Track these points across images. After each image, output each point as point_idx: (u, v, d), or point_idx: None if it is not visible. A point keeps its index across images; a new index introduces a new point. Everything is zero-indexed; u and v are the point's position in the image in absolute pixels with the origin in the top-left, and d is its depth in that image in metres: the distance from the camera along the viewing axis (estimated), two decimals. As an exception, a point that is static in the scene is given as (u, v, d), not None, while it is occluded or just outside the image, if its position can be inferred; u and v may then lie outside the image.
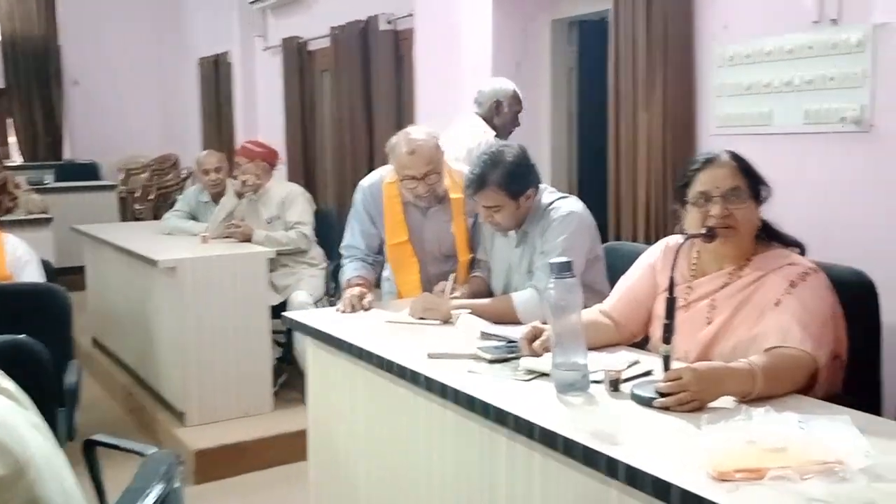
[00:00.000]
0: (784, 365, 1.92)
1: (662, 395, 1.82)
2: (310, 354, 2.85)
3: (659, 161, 3.64)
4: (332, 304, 4.74)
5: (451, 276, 2.92)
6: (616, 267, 2.96)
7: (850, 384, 2.20)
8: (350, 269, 3.17)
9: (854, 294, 2.31)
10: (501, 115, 4.02)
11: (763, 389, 1.84)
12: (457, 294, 2.86)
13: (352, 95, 6.01)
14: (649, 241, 3.63)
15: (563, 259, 1.95)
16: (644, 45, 3.68)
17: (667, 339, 1.87)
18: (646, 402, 1.84)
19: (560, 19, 4.70)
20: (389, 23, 5.69)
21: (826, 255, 2.92)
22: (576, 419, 1.78)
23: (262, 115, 7.66)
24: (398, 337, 2.57)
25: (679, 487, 1.40)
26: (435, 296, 2.81)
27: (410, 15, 5.35)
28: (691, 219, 2.18)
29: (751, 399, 1.83)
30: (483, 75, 4.68)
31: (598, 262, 2.87)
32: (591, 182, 4.77)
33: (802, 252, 2.24)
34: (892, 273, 2.70)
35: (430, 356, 2.27)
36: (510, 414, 1.84)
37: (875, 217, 3.02)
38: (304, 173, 6.77)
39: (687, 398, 1.79)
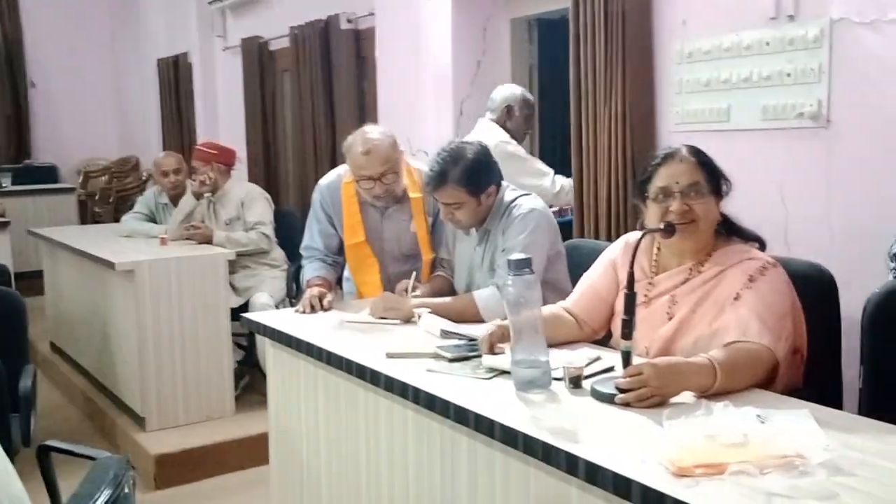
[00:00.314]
0: (743, 359, 1.92)
1: (623, 391, 1.80)
2: (269, 356, 2.81)
3: (620, 158, 3.64)
4: (293, 305, 4.70)
5: (413, 275, 2.89)
6: (578, 264, 2.96)
7: (811, 379, 2.21)
8: (310, 270, 3.14)
9: (814, 289, 2.32)
10: (513, 119, 4.09)
11: (723, 384, 1.84)
12: (418, 293, 2.84)
13: (313, 95, 5.95)
14: (611, 239, 3.63)
15: (522, 256, 1.93)
16: (603, 42, 3.67)
17: (626, 335, 1.86)
18: (606, 399, 1.83)
19: (519, 18, 4.69)
20: (350, 22, 5.65)
21: (785, 250, 2.96)
22: (536, 417, 1.76)
23: (222, 115, 7.58)
24: (358, 337, 2.54)
25: (639, 483, 1.39)
26: (396, 295, 2.78)
27: (371, 14, 5.31)
28: (651, 214, 2.17)
29: (711, 394, 1.83)
30: (444, 74, 4.67)
31: (559, 260, 2.86)
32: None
33: (762, 247, 2.24)
34: (849, 267, 2.72)
35: (390, 356, 2.25)
36: (471, 412, 1.82)
37: (833, 211, 3.04)
38: (266, 174, 6.70)
39: (647, 394, 1.78)
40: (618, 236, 3.59)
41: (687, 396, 1.83)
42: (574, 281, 2.84)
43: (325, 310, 2.82)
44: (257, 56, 6.71)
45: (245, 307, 4.44)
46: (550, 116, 4.83)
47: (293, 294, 4.69)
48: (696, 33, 3.46)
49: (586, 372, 1.99)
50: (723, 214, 2.21)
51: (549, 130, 4.83)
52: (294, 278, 4.71)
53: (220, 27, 7.37)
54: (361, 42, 5.63)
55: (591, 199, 3.78)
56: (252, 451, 3.82)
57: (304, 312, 2.81)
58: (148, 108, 8.82)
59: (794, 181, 3.14)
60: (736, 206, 2.24)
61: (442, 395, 1.91)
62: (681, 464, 1.42)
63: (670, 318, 2.18)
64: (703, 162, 2.16)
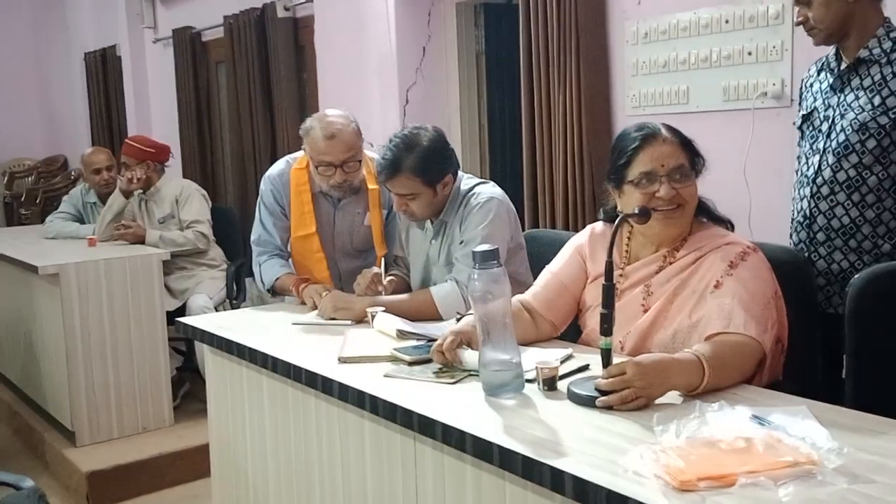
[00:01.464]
0: (730, 353, 1.76)
1: (604, 392, 1.64)
2: (209, 363, 2.59)
3: (575, 144, 3.49)
4: (234, 307, 4.46)
5: (382, 261, 2.69)
6: (537, 255, 2.81)
7: (789, 370, 2.07)
8: (273, 267, 2.88)
9: (789, 275, 2.18)
10: None
11: (711, 381, 1.68)
12: (391, 278, 2.63)
13: (250, 87, 5.70)
14: (568, 228, 3.49)
15: (487, 247, 1.75)
16: (555, 25, 3.52)
17: (606, 330, 1.68)
18: (586, 402, 1.65)
19: (465, 2, 4.51)
20: (287, 9, 5.41)
21: (748, 235, 2.82)
22: (511, 426, 1.57)
23: (155, 111, 7.26)
24: (306, 340, 2.34)
25: (639, 502, 1.21)
26: (346, 294, 2.58)
27: (310, 0, 5.08)
28: (631, 200, 1.99)
29: (698, 392, 1.67)
30: (388, 62, 4.47)
31: (519, 251, 2.69)
32: (503, 168, 4.62)
33: (731, 229, 2.10)
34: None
35: (342, 360, 2.05)
36: (436, 422, 1.63)
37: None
38: (202, 171, 6.42)
39: (631, 395, 1.62)
40: (574, 225, 3.46)
41: (673, 396, 1.67)
42: (534, 273, 2.69)
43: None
44: (190, 48, 6.43)
45: (182, 310, 4.21)
46: (499, 105, 4.67)
47: (233, 295, 4.44)
48: (652, 12, 3.32)
49: (560, 371, 1.81)
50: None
51: (498, 120, 4.66)
52: (234, 279, 4.47)
53: (149, 18, 7.05)
54: (300, 30, 5.41)
55: (546, 188, 3.63)
56: (193, 465, 3.60)
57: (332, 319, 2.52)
58: (75, 105, 8.44)
59: (757, 164, 3.02)
60: (700, 190, 2.09)
61: (403, 404, 1.72)
62: (682, 476, 1.25)
63: (646, 311, 2.02)
64: (684, 142, 2.01)
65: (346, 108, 2.88)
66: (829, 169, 2.35)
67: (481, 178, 2.76)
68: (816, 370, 2.27)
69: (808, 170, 2.43)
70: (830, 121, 2.36)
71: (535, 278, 2.67)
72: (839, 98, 2.35)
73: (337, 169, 2.72)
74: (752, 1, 2.99)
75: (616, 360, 1.69)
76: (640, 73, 3.39)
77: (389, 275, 2.81)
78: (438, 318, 2.43)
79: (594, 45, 3.46)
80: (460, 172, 2.66)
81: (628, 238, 2.12)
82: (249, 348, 2.23)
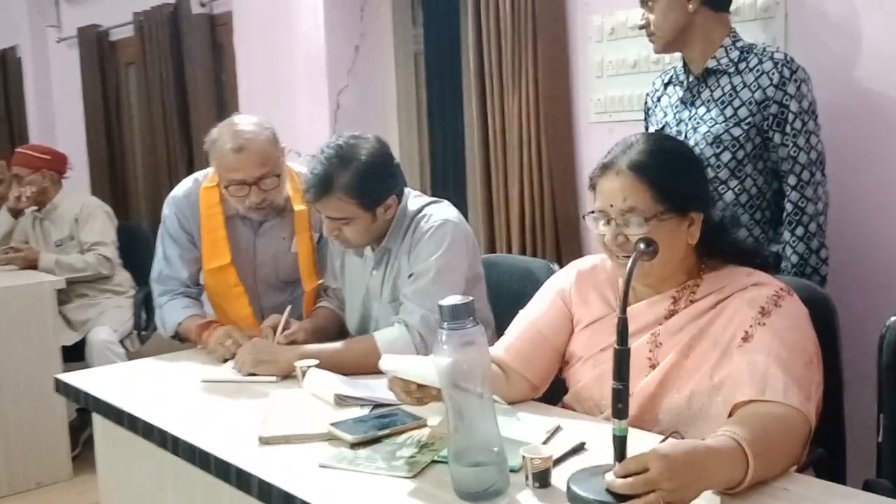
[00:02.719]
0: (775, 431, 1.36)
1: (620, 497, 1.20)
2: (98, 428, 2.09)
3: (533, 156, 3.08)
4: (142, 340, 3.94)
5: (287, 309, 2.23)
6: (495, 285, 2.40)
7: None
8: (176, 309, 2.41)
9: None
10: None
11: (757, 473, 1.27)
12: (292, 329, 2.17)
13: (163, 91, 5.23)
14: (526, 252, 3.08)
15: (459, 299, 1.30)
16: (508, 19, 3.11)
17: (620, 412, 1.25)
18: (595, 509, 1.22)
19: (402, -4, 4.08)
20: (203, 5, 4.93)
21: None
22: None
23: (59, 118, 6.68)
24: (218, 406, 1.85)
25: None
26: (269, 342, 2.11)
27: (228, -5, 4.60)
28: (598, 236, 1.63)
29: (740, 490, 1.26)
30: (316, 62, 4.01)
31: (478, 283, 2.25)
32: (445, 182, 4.19)
33: (765, 267, 1.69)
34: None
35: (263, 441, 1.58)
36: (394, 544, 1.18)
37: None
38: (111, 183, 5.88)
39: (657, 501, 1.19)
40: (534, 248, 3.04)
41: (708, 497, 1.25)
42: (494, 308, 2.27)
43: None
44: (96, 48, 5.92)
45: (82, 344, 3.72)
46: (440, 111, 4.23)
47: (142, 326, 3.91)
48: (620, 5, 2.92)
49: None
50: (709, 232, 1.64)
51: (440, 127, 4.22)
52: (143, 306, 3.94)
53: (52, 16, 6.50)
54: (217, 28, 4.94)
55: (502, 207, 3.21)
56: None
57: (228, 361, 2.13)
58: (-29, 112, 7.76)
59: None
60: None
61: (346, 512, 1.26)
62: None
63: (653, 367, 1.61)
64: (649, 175, 1.56)
65: (267, 115, 2.42)
66: None
67: (422, 192, 2.32)
68: (841, 432, 1.89)
69: None
70: (683, 135, 2.30)
71: (493, 313, 2.27)
72: (690, 112, 2.32)
73: (251, 187, 2.25)
74: (737, -9, 2.61)
75: (632, 449, 1.26)
76: (605, 75, 3.00)
77: (318, 307, 2.37)
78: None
79: (553, 42, 3.05)
80: (406, 190, 2.22)
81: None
82: (145, 422, 1.74)
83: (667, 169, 1.59)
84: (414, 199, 2.21)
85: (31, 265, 3.82)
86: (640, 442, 1.32)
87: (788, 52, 2.52)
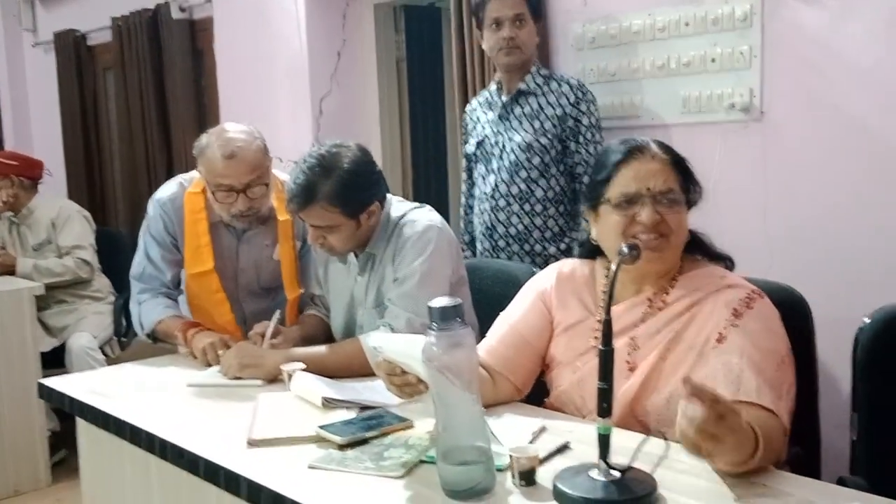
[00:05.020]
0: (767, 429, 1.38)
1: (606, 494, 1.23)
2: (80, 434, 2.08)
3: (514, 161, 3.10)
4: (122, 346, 3.92)
5: (276, 315, 2.24)
6: (479, 290, 2.41)
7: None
8: (156, 308, 2.41)
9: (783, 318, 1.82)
10: None
11: (762, 459, 1.31)
12: (279, 339, 2.18)
13: (142, 97, 5.17)
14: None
15: (448, 301, 1.33)
16: (489, 26, 3.13)
17: (605, 410, 1.28)
18: (581, 507, 1.24)
19: (383, 3, 4.09)
20: (183, 10, 4.89)
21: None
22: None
23: (35, 124, 6.60)
24: (205, 409, 1.86)
25: None
26: (255, 346, 2.12)
27: (209, 0, 4.58)
28: (607, 225, 1.65)
29: (742, 471, 1.29)
30: (299, 68, 4.02)
31: (462, 287, 2.27)
32: (427, 187, 4.21)
33: (731, 267, 1.75)
34: (797, 280, 2.29)
35: (252, 443, 1.59)
36: (384, 543, 1.19)
37: (770, 216, 2.62)
38: (89, 189, 5.82)
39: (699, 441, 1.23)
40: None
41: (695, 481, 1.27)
42: (478, 313, 2.29)
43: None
44: (74, 52, 5.84)
45: (61, 351, 3.68)
46: (422, 120, 4.26)
47: (122, 332, 3.89)
48: (600, 13, 2.97)
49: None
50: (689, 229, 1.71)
51: (422, 133, 4.24)
52: (122, 312, 3.92)
53: (28, 19, 6.40)
54: (198, 33, 4.90)
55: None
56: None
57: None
58: (-55, 117, 7.66)
59: (724, 184, 2.68)
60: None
61: (336, 512, 1.28)
62: None
63: (632, 370, 1.64)
64: (677, 161, 1.66)
65: (249, 121, 2.43)
66: (503, 184, 2.79)
67: (405, 199, 2.34)
68: (816, 431, 1.92)
69: (486, 188, 2.85)
70: (501, 145, 2.81)
71: (477, 317, 2.29)
72: (506, 125, 2.81)
73: (239, 194, 2.26)
74: (715, 1, 2.66)
75: (615, 448, 1.28)
76: (586, 83, 3.02)
77: (307, 314, 2.39)
78: (371, 373, 1.99)
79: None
80: (389, 196, 2.24)
81: (605, 275, 1.74)
82: (130, 424, 1.75)
83: (681, 158, 1.69)
84: (397, 204, 2.23)
85: (9, 271, 3.79)
86: (624, 441, 1.35)
87: (765, 61, 2.59)
